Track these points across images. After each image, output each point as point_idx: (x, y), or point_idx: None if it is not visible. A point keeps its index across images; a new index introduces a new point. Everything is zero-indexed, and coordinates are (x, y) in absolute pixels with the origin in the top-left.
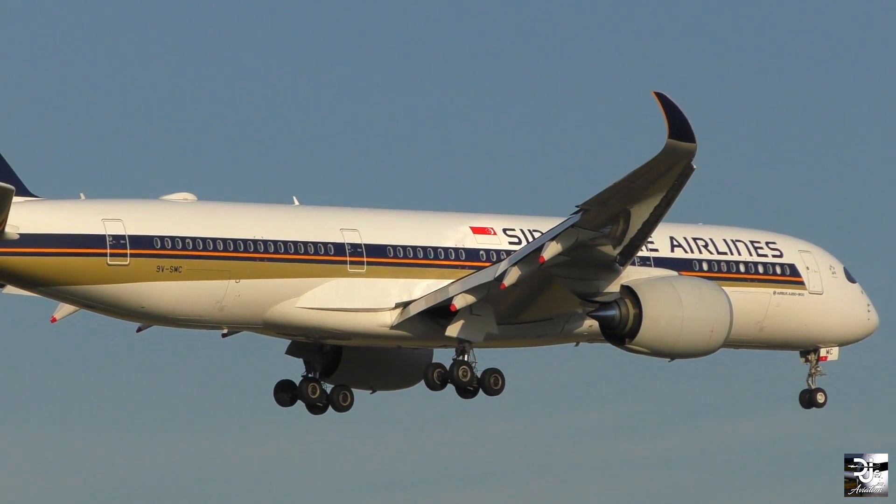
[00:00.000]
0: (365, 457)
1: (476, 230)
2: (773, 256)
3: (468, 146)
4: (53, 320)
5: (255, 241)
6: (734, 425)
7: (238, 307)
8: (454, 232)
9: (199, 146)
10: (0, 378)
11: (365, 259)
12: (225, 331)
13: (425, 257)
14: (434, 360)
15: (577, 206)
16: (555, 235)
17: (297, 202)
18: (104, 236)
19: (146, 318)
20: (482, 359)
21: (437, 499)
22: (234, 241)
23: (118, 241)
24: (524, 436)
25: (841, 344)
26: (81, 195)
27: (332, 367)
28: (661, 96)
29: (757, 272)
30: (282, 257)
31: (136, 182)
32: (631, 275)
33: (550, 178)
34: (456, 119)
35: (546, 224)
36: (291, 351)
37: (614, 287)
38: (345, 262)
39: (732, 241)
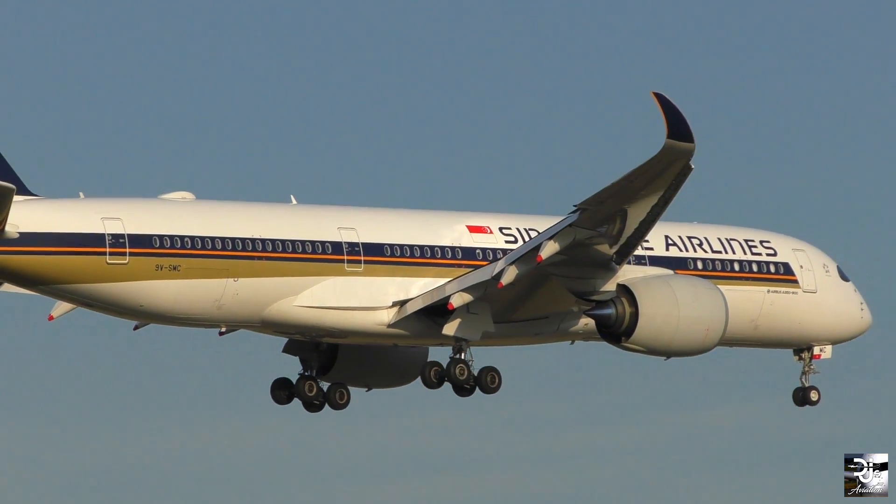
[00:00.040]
0: (361, 454)
1: (472, 229)
2: (767, 255)
3: (465, 145)
4: (50, 318)
5: (253, 240)
6: (712, 417)
7: (236, 306)
8: (450, 231)
9: (196, 145)
10: None
11: (362, 258)
12: (223, 329)
13: (422, 256)
14: (431, 359)
15: (574, 206)
16: (553, 234)
17: (294, 201)
18: (103, 235)
19: (145, 316)
20: (476, 357)
21: (434, 496)
22: (233, 239)
23: (117, 240)
24: (516, 427)
25: (834, 342)
26: (81, 194)
27: (328, 365)
28: (660, 96)
29: (751, 271)
30: (280, 256)
31: (134, 181)
32: (627, 274)
33: (547, 178)
34: (453, 118)
35: (542, 223)
36: (288, 349)
37: (611, 286)
38: (342, 261)
39: (727, 239)
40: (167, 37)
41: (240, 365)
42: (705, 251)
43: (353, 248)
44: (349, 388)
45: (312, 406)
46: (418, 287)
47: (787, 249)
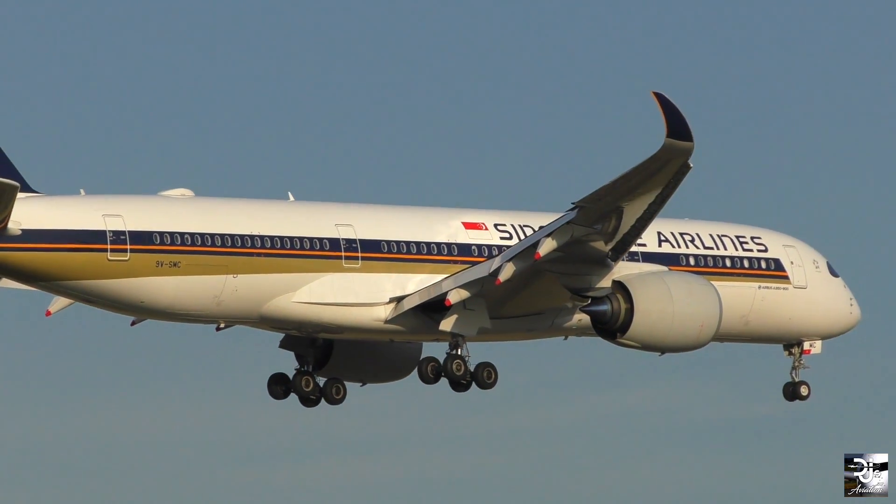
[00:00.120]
0: (358, 450)
1: (468, 225)
2: (758, 251)
3: (462, 142)
4: (48, 314)
5: (251, 237)
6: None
7: (235, 302)
8: (446, 227)
9: (195, 142)
10: None
11: (360, 254)
12: (221, 325)
13: (419, 252)
14: (427, 355)
15: (572, 203)
16: (550, 232)
17: (292, 198)
18: (104, 232)
19: (145, 312)
20: (472, 352)
21: (430, 494)
22: (232, 236)
23: (118, 236)
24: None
25: (824, 337)
26: (81, 191)
27: (324, 360)
28: (659, 96)
29: (742, 267)
30: (278, 252)
31: (133, 178)
32: (622, 270)
33: (543, 175)
34: (449, 116)
35: (537, 220)
36: (284, 344)
37: (606, 282)
38: (340, 257)
39: (718, 235)
40: (167, 35)
41: (237, 360)
42: (697, 247)
43: (350, 244)
44: (345, 383)
45: (309, 401)
46: (415, 283)
47: (777, 245)
